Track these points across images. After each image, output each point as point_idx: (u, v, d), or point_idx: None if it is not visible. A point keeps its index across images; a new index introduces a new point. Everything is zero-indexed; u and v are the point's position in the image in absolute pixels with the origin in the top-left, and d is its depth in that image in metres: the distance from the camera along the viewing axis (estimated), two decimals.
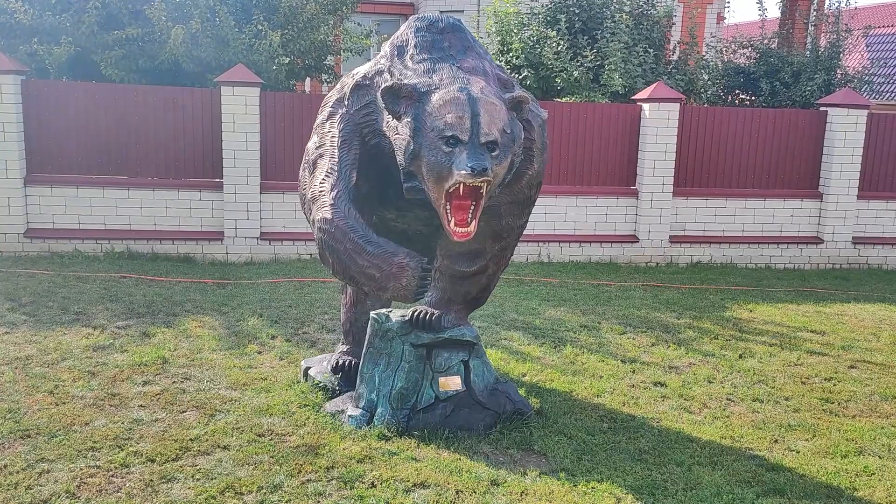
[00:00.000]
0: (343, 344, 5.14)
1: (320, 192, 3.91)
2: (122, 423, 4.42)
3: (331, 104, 4.22)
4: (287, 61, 9.94)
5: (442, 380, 4.47)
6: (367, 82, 4.09)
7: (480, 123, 3.61)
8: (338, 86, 4.29)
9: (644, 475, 4.02)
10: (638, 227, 9.80)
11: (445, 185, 3.63)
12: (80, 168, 8.78)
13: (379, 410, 4.45)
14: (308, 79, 11.91)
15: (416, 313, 4.44)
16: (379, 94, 3.86)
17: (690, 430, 4.61)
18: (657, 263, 9.83)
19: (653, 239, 9.80)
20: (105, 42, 9.48)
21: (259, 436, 4.34)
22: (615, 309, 7.46)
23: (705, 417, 4.83)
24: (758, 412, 4.96)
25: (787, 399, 5.20)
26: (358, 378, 4.59)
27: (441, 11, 15.70)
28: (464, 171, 3.51)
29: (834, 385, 5.52)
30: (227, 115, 8.78)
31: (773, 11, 13.19)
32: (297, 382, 5.11)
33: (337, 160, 3.95)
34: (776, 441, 4.52)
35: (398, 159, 3.79)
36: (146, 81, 9.79)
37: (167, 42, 9.39)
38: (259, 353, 5.75)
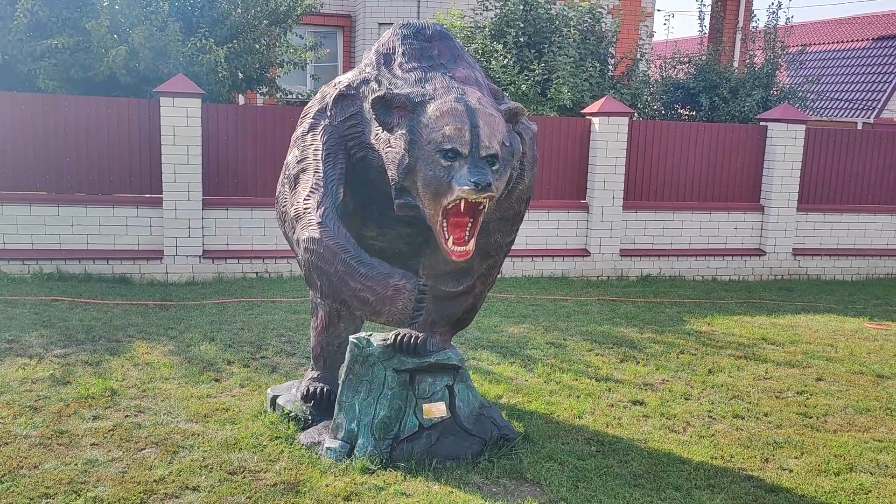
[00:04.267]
0: (313, 370, 4.82)
1: (305, 209, 3.60)
2: (76, 464, 4.01)
3: (312, 115, 3.91)
4: (229, 75, 9.51)
5: (426, 406, 4.23)
6: (352, 92, 3.80)
7: (480, 136, 3.38)
8: (318, 95, 3.99)
9: (645, 501, 3.86)
10: (589, 241, 9.77)
11: (444, 201, 3.39)
12: (5, 183, 8.17)
13: (360, 441, 4.16)
14: (247, 91, 11.46)
15: (399, 337, 4.18)
16: (369, 104, 3.60)
17: (680, 451, 4.49)
18: (608, 277, 9.81)
19: (604, 253, 9.78)
20: (34, 51, 8.87)
21: (230, 474, 3.99)
22: (577, 324, 7.35)
23: (691, 437, 4.73)
24: (741, 429, 4.89)
25: (766, 415, 5.15)
26: (336, 407, 4.29)
27: (379, 24, 15.47)
28: (467, 187, 3.28)
29: (807, 399, 5.51)
30: (166, 128, 8.32)
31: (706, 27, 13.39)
32: (264, 412, 4.76)
33: (322, 175, 3.65)
34: (767, 460, 4.44)
35: (390, 174, 3.53)
36: (79, 92, 9.21)
37: (105, 55, 8.85)
38: (217, 380, 5.37)
